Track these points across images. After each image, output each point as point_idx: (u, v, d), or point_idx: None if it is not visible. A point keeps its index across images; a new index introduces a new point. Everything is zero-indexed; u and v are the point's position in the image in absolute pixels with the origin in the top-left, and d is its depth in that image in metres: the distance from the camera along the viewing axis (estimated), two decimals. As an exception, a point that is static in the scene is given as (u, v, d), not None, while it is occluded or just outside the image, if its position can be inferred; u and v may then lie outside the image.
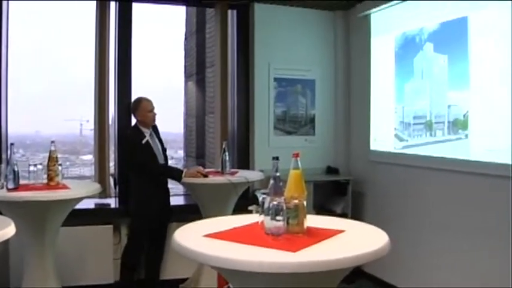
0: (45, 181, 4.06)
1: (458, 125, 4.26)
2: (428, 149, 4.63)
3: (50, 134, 5.91)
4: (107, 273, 4.88)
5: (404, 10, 4.95)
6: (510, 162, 3.73)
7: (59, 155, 4.13)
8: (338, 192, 5.69)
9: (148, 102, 4.60)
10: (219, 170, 4.78)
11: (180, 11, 12.40)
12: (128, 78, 5.26)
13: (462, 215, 4.24)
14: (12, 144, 3.93)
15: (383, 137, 5.30)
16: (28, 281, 3.93)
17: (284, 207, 2.27)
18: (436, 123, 4.55)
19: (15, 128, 5.11)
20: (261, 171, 5.00)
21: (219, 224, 2.61)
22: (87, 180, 5.87)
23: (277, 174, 2.36)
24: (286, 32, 5.77)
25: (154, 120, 4.62)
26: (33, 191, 3.79)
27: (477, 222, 4.07)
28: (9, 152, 3.90)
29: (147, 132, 4.55)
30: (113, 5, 5.23)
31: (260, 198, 2.45)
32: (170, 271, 5.02)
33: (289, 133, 5.81)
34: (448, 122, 4.39)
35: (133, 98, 4.85)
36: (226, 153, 4.76)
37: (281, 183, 2.35)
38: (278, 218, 2.25)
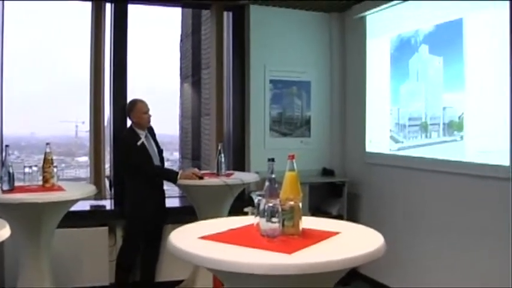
0: (40, 183, 4.05)
1: (454, 126, 4.27)
2: (424, 150, 4.64)
3: (45, 135, 5.89)
4: (102, 275, 4.87)
5: (400, 12, 4.96)
6: (505, 164, 3.74)
7: (54, 157, 4.12)
8: (333, 194, 5.70)
9: (143, 103, 4.60)
10: (215, 171, 4.78)
11: (176, 12, 12.38)
12: (123, 79, 5.26)
13: (457, 217, 4.24)
14: (7, 146, 3.93)
15: (378, 139, 5.31)
16: (23, 283, 3.92)
17: (279, 209, 2.27)
18: (431, 125, 4.56)
19: (10, 130, 5.10)
20: (257, 173, 5.00)
21: (215, 225, 2.61)
22: (83, 182, 5.85)
23: (273, 176, 2.37)
24: (282, 34, 5.78)
25: (149, 122, 4.62)
26: (29, 193, 3.78)
27: (472, 224, 4.08)
28: (4, 153, 3.90)
29: (142, 134, 4.55)
30: (108, 6, 5.23)
31: (256, 200, 2.46)
32: (166, 273, 5.01)
33: (284, 135, 5.82)
34: (443, 123, 4.39)
35: (129, 99, 4.85)
36: (222, 155, 4.76)
37: (276, 185, 2.35)
38: (273, 219, 2.25)
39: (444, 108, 4.39)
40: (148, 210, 4.53)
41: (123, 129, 4.92)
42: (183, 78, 11.36)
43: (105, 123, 5.28)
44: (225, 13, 5.71)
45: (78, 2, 5.25)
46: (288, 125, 5.84)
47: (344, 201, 5.58)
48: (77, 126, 7.15)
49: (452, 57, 4.27)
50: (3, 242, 2.33)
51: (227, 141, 5.72)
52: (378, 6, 5.17)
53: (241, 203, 4.34)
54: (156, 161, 4.61)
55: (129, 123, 4.69)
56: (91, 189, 4.23)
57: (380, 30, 5.28)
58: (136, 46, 5.51)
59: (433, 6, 4.49)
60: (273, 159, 2.41)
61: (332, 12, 5.93)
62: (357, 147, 5.65)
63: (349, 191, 5.60)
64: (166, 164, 5.09)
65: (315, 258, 2.06)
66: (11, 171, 3.82)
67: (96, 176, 5.19)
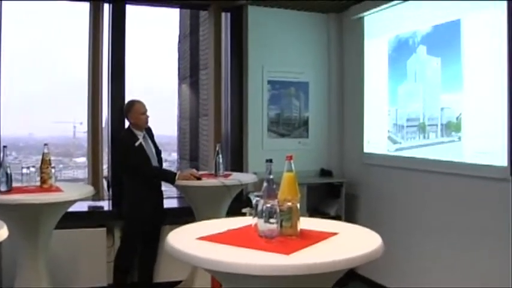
0: (38, 184, 4.05)
1: (452, 127, 4.28)
2: (422, 151, 4.64)
3: (43, 136, 5.89)
4: (100, 276, 4.86)
5: (398, 13, 4.96)
6: (503, 165, 3.75)
7: (52, 158, 4.12)
8: (331, 194, 5.70)
9: (141, 104, 4.59)
10: (213, 172, 4.77)
11: (174, 13, 12.39)
12: (121, 80, 5.25)
13: (455, 217, 4.25)
14: (5, 146, 3.93)
15: (376, 140, 5.31)
16: (21, 284, 3.91)
17: (277, 210, 2.27)
18: (429, 125, 4.56)
19: (8, 131, 5.09)
20: (255, 173, 5.00)
21: (213, 226, 2.61)
22: (81, 183, 5.84)
23: (271, 176, 2.37)
24: (280, 35, 5.78)
25: (147, 122, 4.61)
26: (26, 194, 3.78)
27: (470, 224, 4.09)
28: (2, 154, 3.89)
29: (140, 134, 4.54)
30: (106, 6, 5.22)
31: (254, 201, 2.46)
32: (164, 274, 5.01)
33: (282, 135, 5.82)
34: (441, 124, 4.40)
35: (127, 100, 4.84)
36: (220, 156, 4.76)
37: (274, 186, 2.35)
38: (272, 220, 2.25)
39: (442, 109, 4.39)
40: (146, 211, 4.53)
41: (121, 130, 4.91)
42: (181, 79, 11.37)
43: (103, 124, 5.28)
44: (223, 14, 5.71)
45: (76, 2, 5.25)
46: (286, 126, 5.84)
47: (342, 202, 5.58)
48: (74, 127, 7.16)
49: (450, 58, 4.28)
50: (0, 243, 2.33)
51: (225, 142, 5.72)
52: (376, 7, 5.17)
53: (239, 204, 4.34)
54: (154, 162, 4.61)
55: (127, 124, 4.68)
56: (89, 190, 4.22)
57: (378, 31, 5.28)
58: (134, 47, 5.51)
59: (431, 7, 4.49)
60: (271, 160, 2.41)
61: (330, 13, 5.93)
62: (355, 148, 5.65)
63: (347, 192, 5.60)
64: (164, 165, 5.08)
65: (313, 259, 2.06)
66: (8, 172, 3.82)
67: (94, 177, 5.18)
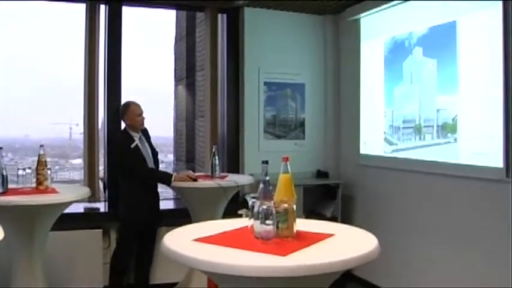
0: (34, 185, 4.04)
1: (447, 128, 4.29)
2: (418, 152, 4.65)
3: (39, 137, 5.88)
4: (97, 277, 4.85)
5: (394, 14, 4.97)
6: (499, 166, 3.76)
7: (48, 159, 4.10)
8: (328, 196, 5.70)
9: (137, 106, 4.59)
10: (209, 174, 4.78)
11: (170, 14, 12.38)
12: (117, 81, 5.25)
13: (451, 218, 4.26)
14: (0, 148, 3.90)
15: (373, 141, 5.32)
16: (16, 286, 3.90)
17: (274, 211, 2.26)
18: (425, 127, 4.57)
19: (4, 132, 5.08)
20: (251, 175, 5.00)
21: (209, 228, 2.61)
22: (77, 184, 5.82)
23: (267, 178, 2.37)
24: (276, 36, 5.78)
25: (142, 124, 4.61)
26: (22, 195, 3.77)
27: (466, 226, 4.10)
28: (-3, 156, 3.88)
29: (136, 136, 4.54)
30: (102, 7, 5.22)
31: (250, 202, 2.46)
32: (160, 275, 5.00)
33: (279, 137, 5.82)
34: (437, 126, 4.41)
35: (123, 101, 4.84)
36: (216, 157, 4.76)
37: (271, 187, 2.35)
38: (268, 222, 2.25)
39: (438, 111, 4.40)
40: (143, 212, 4.53)
41: (117, 131, 4.91)
42: (177, 80, 11.34)
43: (99, 126, 5.27)
44: (219, 15, 5.71)
45: (72, 3, 5.24)
46: (282, 127, 5.84)
47: (338, 203, 5.59)
48: (71, 128, 7.13)
49: (446, 60, 4.29)
50: (-4, 244, 2.32)
51: (221, 144, 5.72)
52: (372, 8, 5.18)
53: (235, 205, 4.34)
54: (150, 163, 4.60)
55: (123, 125, 4.68)
56: (85, 191, 4.22)
57: (374, 32, 5.29)
58: (130, 48, 5.50)
59: (427, 8, 4.50)
60: (267, 162, 2.41)
61: (326, 15, 5.94)
62: (351, 149, 5.65)
63: (344, 193, 5.61)
64: (161, 166, 5.08)
65: (309, 260, 2.06)
66: (4, 173, 3.80)
67: (90, 178, 5.18)
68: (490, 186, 3.85)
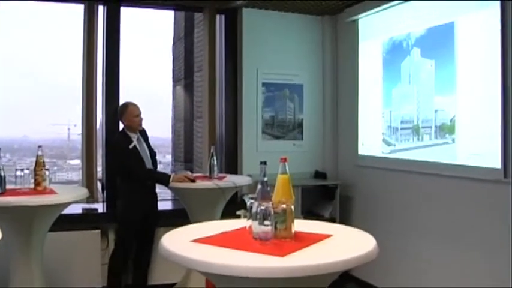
0: (32, 186, 4.03)
1: (445, 129, 4.29)
2: (416, 153, 4.66)
3: (37, 138, 5.88)
4: (95, 278, 4.85)
5: (392, 15, 4.98)
6: (496, 166, 3.76)
7: (46, 160, 4.10)
8: (326, 196, 5.70)
9: (135, 107, 4.58)
10: (207, 174, 4.78)
11: (169, 15, 12.38)
12: (115, 82, 5.24)
13: (449, 219, 4.26)
14: (-1, 148, 3.91)
15: (371, 142, 5.32)
16: (15, 286, 3.90)
17: (272, 212, 2.27)
18: (423, 127, 4.57)
19: (2, 133, 5.08)
20: (249, 175, 5.00)
21: (207, 228, 2.61)
22: (75, 185, 5.82)
23: (265, 178, 2.37)
24: (275, 37, 5.78)
25: (140, 125, 4.60)
26: (20, 196, 3.76)
27: (464, 226, 4.10)
28: (-4, 156, 3.88)
29: (134, 137, 4.53)
30: (101, 8, 5.22)
31: (248, 203, 2.46)
32: (158, 276, 5.00)
33: (277, 138, 5.82)
34: (435, 126, 4.41)
35: (121, 102, 4.83)
36: (214, 158, 4.76)
37: (269, 188, 2.35)
38: (266, 222, 2.25)
39: (436, 111, 4.41)
40: (141, 213, 4.52)
41: (115, 132, 4.90)
42: (175, 81, 11.34)
43: (98, 126, 5.27)
44: (217, 16, 5.71)
45: (70, 4, 5.24)
46: (281, 128, 5.85)
47: (336, 204, 5.59)
48: (69, 129, 7.13)
49: (444, 61, 4.29)
50: (-6, 245, 2.32)
51: (219, 144, 5.72)
52: (370, 9, 5.19)
53: (233, 206, 4.34)
54: (149, 164, 4.60)
55: (121, 126, 4.68)
56: (83, 192, 4.21)
57: (372, 33, 5.29)
58: (128, 49, 5.50)
59: (425, 9, 4.51)
60: (265, 162, 2.41)
61: (324, 16, 5.94)
62: (349, 150, 5.65)
63: (342, 194, 5.61)
64: (159, 167, 5.08)
65: (307, 261, 2.06)
66: (2, 174, 3.80)
67: (88, 179, 5.18)
68: (487, 187, 3.85)
